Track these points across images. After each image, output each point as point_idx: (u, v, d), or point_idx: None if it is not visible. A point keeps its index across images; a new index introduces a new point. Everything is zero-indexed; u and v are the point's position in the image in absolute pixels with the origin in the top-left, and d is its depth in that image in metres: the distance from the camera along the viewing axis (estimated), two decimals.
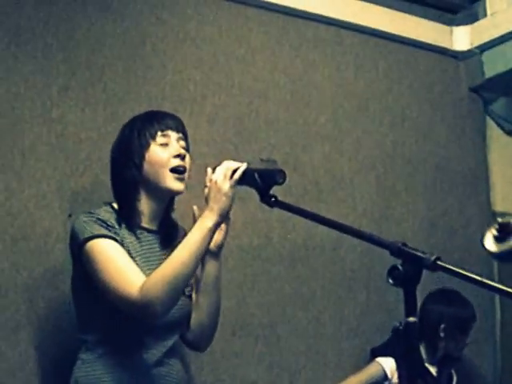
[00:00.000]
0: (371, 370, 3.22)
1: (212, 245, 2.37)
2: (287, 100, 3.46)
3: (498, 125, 4.06)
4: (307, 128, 3.49)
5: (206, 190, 2.30)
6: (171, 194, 2.47)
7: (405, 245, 1.72)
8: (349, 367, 3.31)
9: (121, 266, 2.29)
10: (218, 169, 2.28)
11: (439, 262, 1.65)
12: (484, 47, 3.92)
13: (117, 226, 2.36)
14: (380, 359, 3.24)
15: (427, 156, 3.82)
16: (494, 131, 4.06)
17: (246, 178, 2.24)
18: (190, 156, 2.48)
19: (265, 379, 3.16)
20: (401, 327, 1.64)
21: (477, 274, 1.63)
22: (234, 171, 2.26)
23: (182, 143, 2.46)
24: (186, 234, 2.44)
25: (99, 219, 2.35)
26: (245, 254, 3.20)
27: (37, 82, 2.85)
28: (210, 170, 2.32)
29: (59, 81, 2.89)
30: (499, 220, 1.46)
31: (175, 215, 2.58)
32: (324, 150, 3.51)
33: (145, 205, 2.44)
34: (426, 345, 3.33)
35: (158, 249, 2.45)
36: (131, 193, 2.42)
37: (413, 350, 1.71)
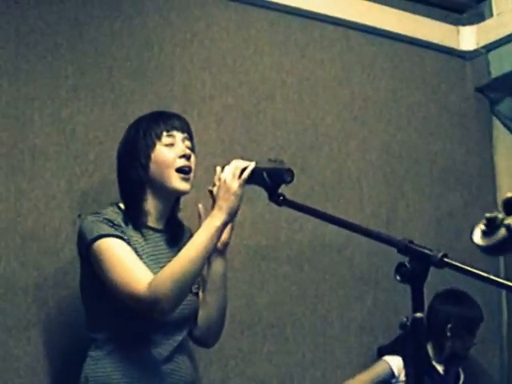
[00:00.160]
0: (378, 369, 3.23)
1: (218, 243, 2.39)
2: (294, 100, 3.47)
3: (505, 125, 4.06)
4: (314, 128, 3.50)
5: (215, 189, 2.32)
6: (177, 194, 2.50)
7: (412, 242, 1.73)
8: (356, 366, 3.32)
9: (128, 263, 2.31)
10: (226, 168, 2.30)
11: (446, 259, 1.66)
12: (490, 47, 3.92)
13: (123, 226, 2.39)
14: (387, 357, 3.25)
15: (434, 156, 3.82)
16: (500, 131, 4.05)
17: (254, 177, 2.26)
18: (196, 156, 2.50)
19: (273, 378, 3.17)
20: (408, 322, 1.65)
21: (483, 271, 1.64)
22: (243, 170, 2.27)
23: (188, 143, 2.48)
24: (191, 234, 2.47)
25: (106, 219, 2.37)
26: (253, 254, 3.21)
27: (46, 83, 2.87)
28: (219, 168, 2.33)
29: (68, 81, 2.91)
30: (487, 215, 1.50)
31: (183, 215, 2.60)
32: (331, 150, 3.52)
33: (151, 204, 2.46)
34: (432, 344, 3.34)
35: (164, 248, 2.47)
36: (137, 193, 2.45)
37: (419, 346, 1.72)
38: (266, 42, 3.44)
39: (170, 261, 2.31)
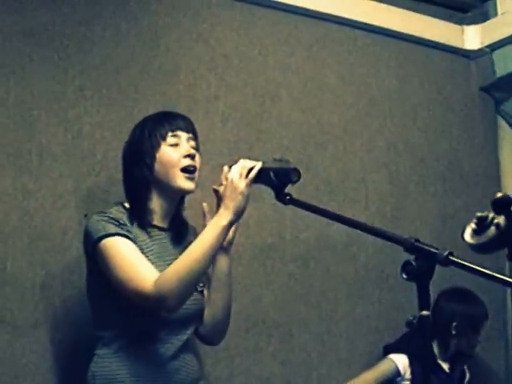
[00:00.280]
0: (384, 367, 3.24)
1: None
2: (299, 100, 3.47)
3: (510, 124, 4.06)
4: (319, 127, 3.51)
5: (222, 189, 2.33)
6: (182, 193, 2.52)
7: (418, 241, 1.74)
8: (362, 364, 3.33)
9: (134, 261, 2.33)
10: (233, 167, 2.31)
11: (452, 257, 1.67)
12: (495, 46, 3.92)
13: (129, 225, 2.41)
14: (393, 356, 3.26)
15: (438, 155, 3.83)
16: (505, 131, 4.06)
17: (261, 177, 2.27)
18: (201, 155, 2.52)
19: (279, 376, 3.18)
20: (414, 321, 1.66)
21: (488, 269, 1.65)
22: (250, 170, 2.28)
23: (192, 143, 2.50)
24: (196, 233, 2.49)
25: (112, 218, 2.39)
26: (258, 253, 3.22)
27: (53, 83, 2.88)
28: (226, 168, 2.34)
29: (75, 82, 2.92)
30: (478, 214, 1.53)
31: (188, 214, 2.62)
32: (336, 149, 3.53)
33: (156, 203, 2.48)
34: (438, 342, 3.34)
35: (169, 246, 2.49)
36: (143, 192, 2.47)
37: (426, 344, 1.74)
38: (271, 42, 3.45)
39: (174, 259, 2.33)
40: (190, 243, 2.36)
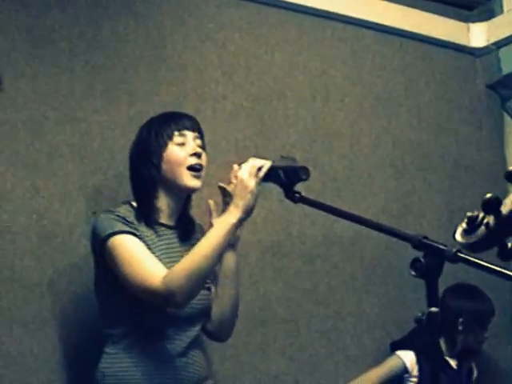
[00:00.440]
0: (391, 363, 3.25)
1: None
2: (306, 98, 3.48)
3: None
4: (326, 126, 3.51)
5: (231, 187, 2.35)
6: (188, 191, 2.54)
7: (426, 237, 1.75)
8: (369, 361, 3.33)
9: (142, 258, 2.35)
10: (243, 166, 2.33)
11: (460, 254, 1.68)
12: (501, 44, 3.92)
13: (136, 223, 2.43)
14: (400, 352, 3.27)
15: (445, 153, 3.83)
16: (511, 127, 4.05)
17: (270, 175, 2.29)
18: (207, 154, 2.54)
19: (286, 372, 3.19)
20: (423, 317, 1.67)
21: (496, 265, 1.66)
22: (259, 169, 2.30)
23: (199, 142, 2.52)
24: (202, 231, 2.52)
25: (119, 216, 2.41)
26: (265, 250, 3.23)
27: (61, 83, 2.89)
28: (236, 166, 2.37)
29: (83, 81, 2.93)
30: (468, 214, 1.55)
31: (195, 212, 2.63)
32: (343, 147, 3.54)
33: (163, 202, 2.50)
34: (445, 338, 3.34)
35: (176, 244, 2.51)
36: (150, 191, 2.49)
37: (434, 341, 1.74)
38: (278, 41, 3.45)
39: (182, 256, 2.36)
40: (196, 241, 2.39)
